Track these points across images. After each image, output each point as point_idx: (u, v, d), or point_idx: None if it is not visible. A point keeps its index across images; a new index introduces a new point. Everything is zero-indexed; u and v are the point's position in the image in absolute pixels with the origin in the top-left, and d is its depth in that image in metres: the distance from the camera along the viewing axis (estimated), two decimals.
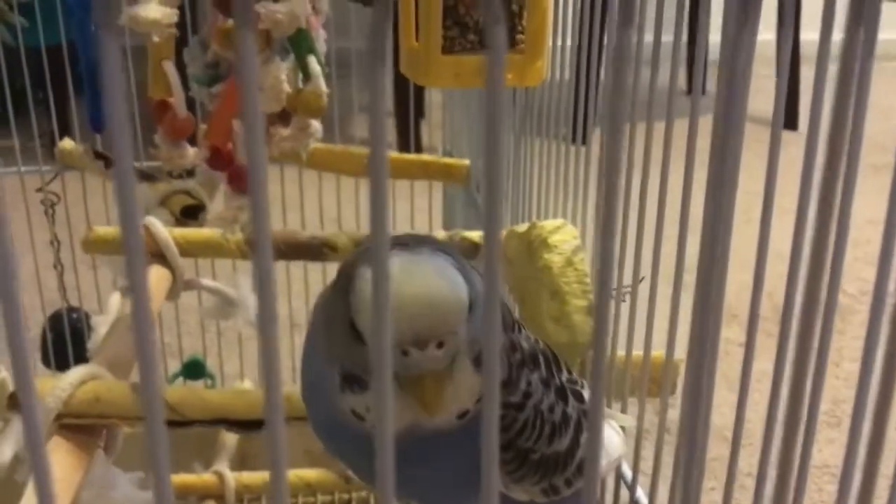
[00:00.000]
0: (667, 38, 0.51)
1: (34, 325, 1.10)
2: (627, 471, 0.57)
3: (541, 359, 0.45)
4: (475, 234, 0.73)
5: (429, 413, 0.38)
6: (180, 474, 0.87)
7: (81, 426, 0.51)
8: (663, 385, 0.47)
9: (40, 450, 0.22)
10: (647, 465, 0.63)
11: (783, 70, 0.37)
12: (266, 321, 0.21)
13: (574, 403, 0.47)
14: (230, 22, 0.62)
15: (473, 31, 0.62)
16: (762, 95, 0.49)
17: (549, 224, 0.55)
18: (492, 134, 0.21)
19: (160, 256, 0.71)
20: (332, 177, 1.04)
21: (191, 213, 0.78)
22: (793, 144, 0.43)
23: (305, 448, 1.00)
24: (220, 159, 0.64)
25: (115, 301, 0.68)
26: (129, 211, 0.20)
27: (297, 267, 1.10)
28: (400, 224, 0.94)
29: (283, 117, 0.70)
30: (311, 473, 0.95)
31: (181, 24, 0.66)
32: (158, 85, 0.63)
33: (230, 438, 0.95)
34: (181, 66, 0.70)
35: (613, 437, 0.52)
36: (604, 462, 0.51)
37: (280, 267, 1.08)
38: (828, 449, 1.20)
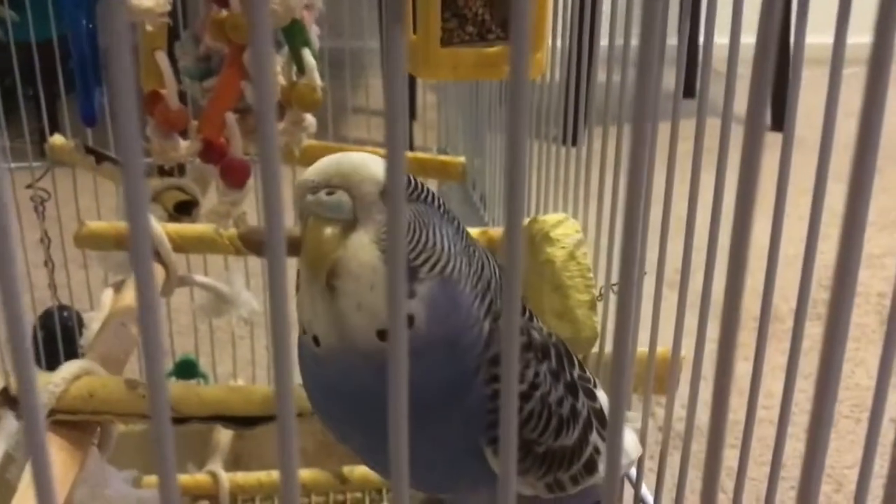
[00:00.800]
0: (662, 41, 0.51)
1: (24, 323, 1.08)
2: (632, 469, 0.56)
3: (552, 351, 0.45)
4: (473, 231, 0.72)
5: (307, 259, 0.38)
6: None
7: (75, 423, 0.50)
8: (669, 382, 0.47)
9: (41, 450, 0.21)
10: (651, 462, 0.63)
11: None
12: (278, 319, 0.20)
13: (584, 400, 0.46)
14: (224, 13, 0.62)
15: (472, 23, 0.61)
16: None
17: (550, 218, 0.54)
18: (514, 129, 0.20)
19: (153, 252, 0.70)
20: None
21: (184, 209, 0.77)
22: (775, 145, 0.43)
23: (300, 448, 0.99)
24: (212, 153, 0.63)
25: (108, 297, 0.67)
26: (137, 200, 0.19)
27: (292, 268, 1.09)
28: None
29: (277, 112, 0.69)
30: (305, 473, 0.94)
31: (172, 16, 0.65)
32: (150, 76, 0.62)
33: (224, 438, 0.94)
34: (172, 60, 0.69)
35: (631, 438, 0.51)
36: (624, 461, 0.50)
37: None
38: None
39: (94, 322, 0.65)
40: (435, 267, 0.40)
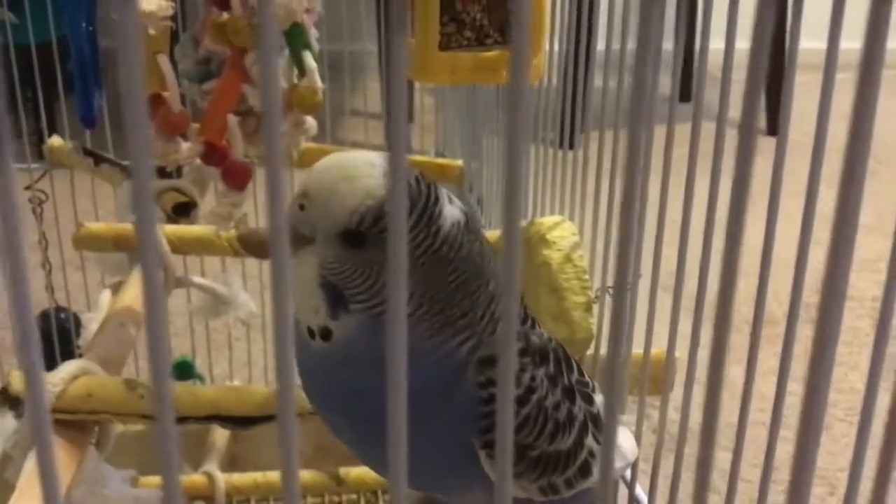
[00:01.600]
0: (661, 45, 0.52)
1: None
2: (627, 470, 0.56)
3: (550, 356, 0.45)
4: None
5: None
6: None
7: (73, 422, 0.51)
8: (664, 383, 0.47)
9: (47, 449, 0.22)
10: (645, 465, 0.63)
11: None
12: (280, 319, 0.21)
13: (582, 404, 0.46)
14: (225, 16, 0.62)
15: (470, 28, 0.62)
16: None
17: (547, 220, 0.54)
18: (513, 132, 0.20)
19: None
20: None
21: (182, 211, 0.77)
22: (770, 149, 0.43)
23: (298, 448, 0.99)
24: (214, 155, 0.64)
25: (106, 298, 0.67)
26: (145, 199, 0.20)
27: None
28: None
29: None
30: (301, 475, 0.93)
31: (173, 19, 0.65)
32: (152, 78, 0.62)
33: (220, 440, 0.94)
34: (172, 63, 0.69)
35: (628, 440, 0.52)
36: (620, 464, 0.50)
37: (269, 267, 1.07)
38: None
39: (92, 323, 0.65)
40: (368, 308, 0.41)
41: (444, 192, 0.42)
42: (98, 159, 0.86)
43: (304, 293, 0.42)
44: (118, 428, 0.61)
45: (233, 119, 0.64)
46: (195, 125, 0.66)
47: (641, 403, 0.52)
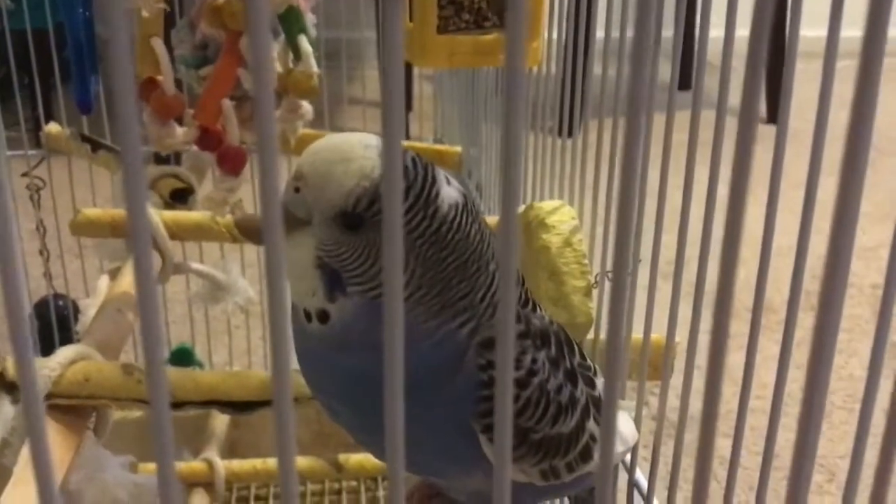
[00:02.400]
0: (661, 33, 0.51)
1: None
2: (627, 455, 0.56)
3: (552, 339, 0.45)
4: None
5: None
6: None
7: (71, 407, 0.50)
8: (664, 368, 0.47)
9: (40, 435, 0.21)
10: (645, 451, 0.63)
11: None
12: (275, 305, 0.20)
13: (583, 388, 0.46)
14: (221, 0, 0.61)
15: (468, 11, 0.61)
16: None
17: (546, 205, 0.54)
18: (511, 115, 0.20)
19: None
20: None
21: (179, 197, 0.77)
22: (769, 137, 0.43)
23: (295, 437, 0.99)
24: (209, 140, 0.63)
25: (104, 284, 0.67)
26: (137, 186, 0.19)
27: None
28: None
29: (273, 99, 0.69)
30: (301, 461, 0.94)
31: (169, 3, 0.65)
32: (146, 62, 0.62)
33: (219, 426, 0.94)
34: (168, 49, 0.68)
35: (627, 425, 0.51)
36: (620, 449, 0.50)
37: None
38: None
39: (90, 308, 0.65)
40: (365, 291, 0.41)
41: (441, 174, 0.41)
42: (95, 145, 0.86)
43: (301, 275, 0.41)
44: (116, 415, 0.61)
45: (228, 103, 0.63)
46: (189, 111, 0.66)
47: (641, 389, 0.52)
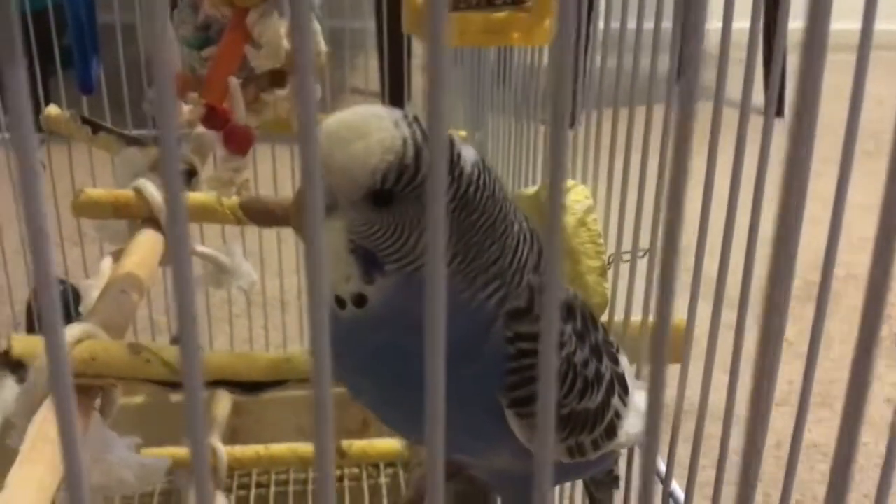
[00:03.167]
0: (652, 24, 0.51)
1: (20, 297, 1.07)
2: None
3: (577, 313, 0.44)
4: None
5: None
6: (171, 447, 0.85)
7: (77, 386, 0.49)
8: (684, 353, 0.46)
9: (69, 416, 0.20)
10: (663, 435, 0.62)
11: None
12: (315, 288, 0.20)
13: (608, 363, 0.45)
14: None
15: None
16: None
17: None
18: (558, 90, 0.19)
19: (153, 221, 0.69)
20: None
21: (183, 178, 0.75)
22: (778, 131, 0.43)
23: (297, 423, 0.99)
24: (215, 118, 0.63)
25: (107, 265, 0.66)
26: (172, 167, 0.19)
27: (288, 247, 1.08)
28: None
29: (277, 80, 0.68)
30: (303, 447, 0.93)
31: None
32: None
33: (221, 412, 0.93)
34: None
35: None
36: (640, 429, 0.49)
37: (272, 245, 1.07)
38: (817, 429, 1.20)
39: (92, 290, 0.64)
40: (403, 266, 0.40)
41: (454, 134, 0.40)
42: (96, 127, 0.85)
43: (333, 263, 0.39)
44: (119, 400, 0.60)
45: (234, 82, 0.62)
46: (193, 94, 0.65)
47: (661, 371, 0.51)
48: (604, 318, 0.55)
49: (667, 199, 0.21)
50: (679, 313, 0.49)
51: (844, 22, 0.40)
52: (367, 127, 0.38)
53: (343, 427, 0.92)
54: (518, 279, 0.40)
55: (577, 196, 0.52)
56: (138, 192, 0.68)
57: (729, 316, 0.43)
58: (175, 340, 1.05)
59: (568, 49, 0.20)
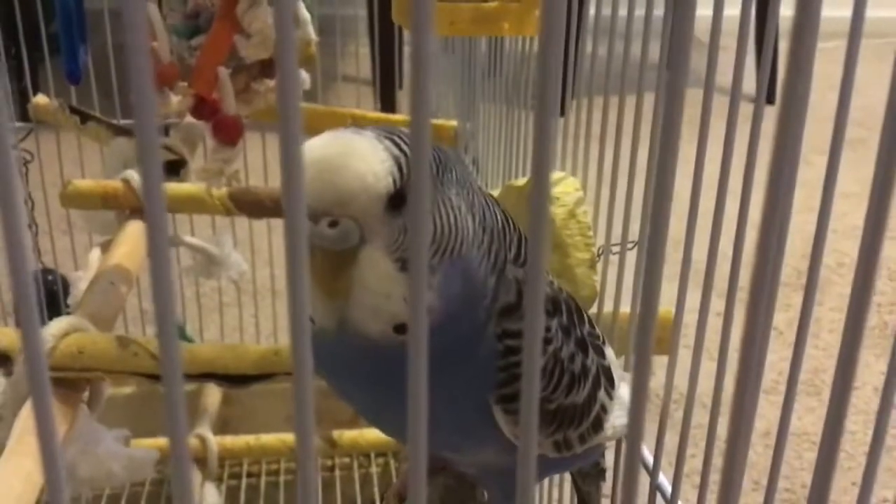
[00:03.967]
0: (642, 11, 0.51)
1: (8, 288, 1.07)
2: None
3: (563, 306, 0.44)
4: None
5: (319, 290, 0.37)
6: (161, 438, 0.85)
7: (64, 380, 0.49)
8: (672, 343, 0.46)
9: (46, 409, 0.20)
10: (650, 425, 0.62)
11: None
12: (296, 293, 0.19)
13: (594, 357, 0.45)
14: None
15: None
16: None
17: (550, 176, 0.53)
18: (545, 83, 0.19)
19: (141, 212, 0.69)
20: None
21: (172, 169, 0.75)
22: (767, 118, 0.43)
23: (287, 413, 0.99)
24: (204, 109, 0.62)
25: (95, 257, 0.66)
26: (151, 156, 0.18)
27: (279, 236, 1.08)
28: None
29: (267, 70, 0.68)
30: (293, 438, 0.93)
31: None
32: None
33: (212, 403, 0.93)
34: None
35: None
36: (625, 421, 0.49)
37: (262, 234, 1.06)
38: (807, 417, 1.21)
39: (81, 282, 0.63)
40: (445, 252, 0.38)
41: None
42: (84, 117, 0.84)
43: (388, 292, 0.37)
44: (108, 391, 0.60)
45: (224, 71, 0.62)
46: (182, 84, 0.65)
47: (647, 363, 0.51)
48: (593, 310, 0.55)
49: (654, 186, 0.21)
50: (667, 303, 0.50)
51: (832, 9, 0.40)
52: (353, 144, 0.37)
53: (333, 417, 0.93)
54: (499, 272, 0.40)
55: (567, 188, 0.52)
56: (126, 182, 0.68)
57: (717, 304, 0.43)
58: None
59: (555, 39, 0.20)
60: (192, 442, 0.87)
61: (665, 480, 0.52)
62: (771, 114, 0.43)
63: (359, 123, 0.69)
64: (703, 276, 0.46)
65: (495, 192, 0.60)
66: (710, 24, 0.44)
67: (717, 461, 0.49)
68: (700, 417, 0.49)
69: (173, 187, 0.71)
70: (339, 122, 0.91)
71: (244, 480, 0.97)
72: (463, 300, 0.39)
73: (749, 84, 0.41)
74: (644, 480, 0.52)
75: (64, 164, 1.01)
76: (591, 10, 0.59)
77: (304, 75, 0.65)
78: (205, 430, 0.87)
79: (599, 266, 0.54)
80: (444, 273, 0.38)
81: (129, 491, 0.93)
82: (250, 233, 1.03)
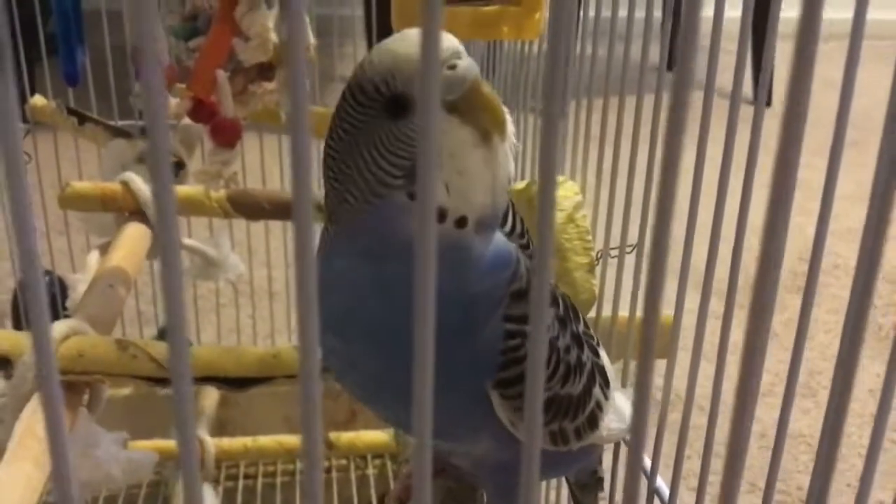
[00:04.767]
0: (641, 14, 0.51)
1: (5, 290, 1.07)
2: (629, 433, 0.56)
3: (560, 301, 0.44)
4: None
5: (495, 118, 0.37)
6: (158, 440, 0.85)
7: (64, 383, 0.49)
8: (670, 347, 0.46)
9: (56, 413, 0.20)
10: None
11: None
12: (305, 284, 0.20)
13: (589, 354, 0.46)
14: None
15: None
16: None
17: None
18: (551, 86, 0.19)
19: (140, 214, 0.69)
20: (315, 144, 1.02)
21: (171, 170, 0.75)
22: (765, 120, 0.43)
23: (284, 414, 0.99)
24: (202, 111, 0.62)
25: (94, 259, 0.66)
26: (161, 160, 0.18)
27: (276, 238, 1.08)
28: None
29: (265, 73, 0.68)
30: (290, 439, 0.93)
31: None
32: None
33: (209, 405, 0.93)
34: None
35: (628, 405, 0.51)
36: (623, 426, 0.49)
37: (259, 235, 1.06)
38: (803, 419, 1.21)
39: (80, 284, 0.63)
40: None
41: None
42: (82, 118, 0.84)
43: (463, 168, 0.38)
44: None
45: (222, 74, 0.62)
46: (180, 85, 0.65)
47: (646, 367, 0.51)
48: (591, 314, 0.55)
49: (658, 190, 0.21)
50: (665, 305, 0.50)
51: (831, 11, 0.40)
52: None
53: (331, 419, 0.93)
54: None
55: (567, 192, 0.52)
56: (125, 185, 0.68)
57: (713, 306, 0.43)
58: (162, 333, 1.05)
59: (561, 48, 0.20)
60: None
61: (663, 483, 0.52)
62: (766, 115, 0.44)
63: None
64: (697, 276, 0.46)
65: None
66: (709, 25, 0.44)
67: (713, 462, 0.49)
68: (695, 419, 0.50)
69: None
70: None
71: (241, 482, 0.97)
72: (505, 249, 0.40)
73: (744, 86, 0.41)
74: (642, 483, 0.53)
75: (61, 165, 1.01)
76: (591, 12, 0.59)
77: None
78: (202, 433, 0.87)
79: (598, 270, 0.54)
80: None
81: (126, 493, 0.93)
82: (247, 234, 1.03)
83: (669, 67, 0.51)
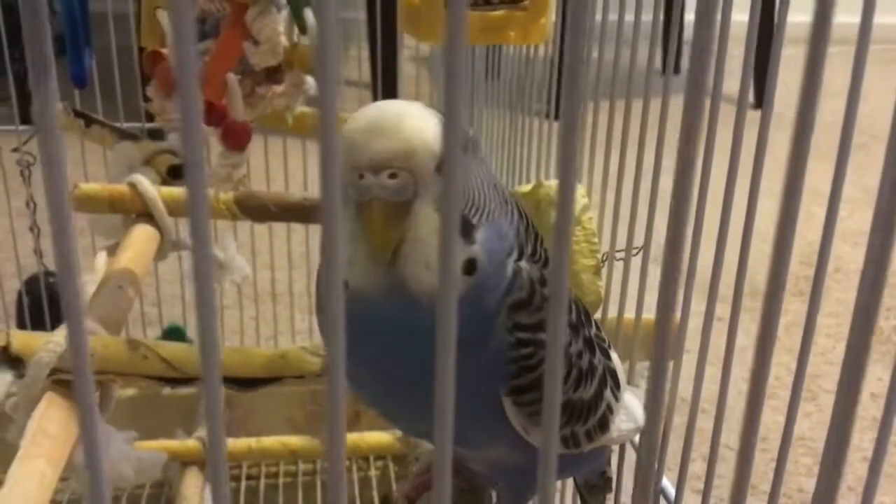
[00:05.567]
0: (646, 17, 0.52)
1: (10, 289, 1.07)
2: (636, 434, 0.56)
3: (572, 306, 0.44)
4: None
5: (372, 242, 0.38)
6: (162, 440, 0.86)
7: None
8: (677, 348, 0.47)
9: (92, 420, 0.21)
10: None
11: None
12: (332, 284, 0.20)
13: (601, 357, 0.46)
14: None
15: None
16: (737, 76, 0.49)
17: (556, 183, 0.54)
18: (570, 85, 0.20)
19: (147, 216, 0.69)
20: (315, 147, 1.02)
21: (177, 173, 0.76)
22: (753, 122, 0.43)
23: (287, 416, 0.99)
24: (213, 114, 0.63)
25: (102, 261, 0.66)
26: (196, 165, 0.19)
27: (280, 239, 1.09)
28: None
29: (274, 76, 0.68)
30: (293, 441, 0.94)
31: None
32: (152, 35, 0.61)
33: None
34: None
35: (638, 405, 0.51)
36: (632, 426, 0.50)
37: (263, 237, 1.07)
38: (804, 422, 1.22)
39: (88, 285, 0.64)
40: (483, 211, 0.40)
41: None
42: (88, 121, 0.85)
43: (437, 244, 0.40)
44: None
45: (233, 78, 0.62)
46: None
47: (654, 368, 0.52)
48: (597, 315, 0.55)
49: (673, 196, 0.21)
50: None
51: (837, 15, 0.40)
52: (407, 108, 0.39)
53: None
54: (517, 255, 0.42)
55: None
56: (132, 186, 0.68)
57: (718, 309, 0.44)
58: (166, 334, 1.05)
59: (579, 60, 0.20)
60: (194, 444, 0.88)
61: (668, 484, 0.52)
62: (756, 118, 0.44)
63: None
64: (700, 280, 0.47)
65: None
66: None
67: (717, 465, 0.49)
68: (700, 421, 0.50)
69: (179, 191, 0.71)
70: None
71: (243, 483, 0.98)
72: (498, 265, 0.41)
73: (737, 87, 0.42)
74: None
75: (67, 165, 1.01)
76: (598, 17, 0.60)
77: (312, 81, 0.66)
78: (205, 433, 0.88)
79: (604, 272, 0.55)
80: (485, 230, 0.40)
81: (129, 493, 0.94)
82: (251, 236, 1.03)
83: (674, 70, 0.52)
